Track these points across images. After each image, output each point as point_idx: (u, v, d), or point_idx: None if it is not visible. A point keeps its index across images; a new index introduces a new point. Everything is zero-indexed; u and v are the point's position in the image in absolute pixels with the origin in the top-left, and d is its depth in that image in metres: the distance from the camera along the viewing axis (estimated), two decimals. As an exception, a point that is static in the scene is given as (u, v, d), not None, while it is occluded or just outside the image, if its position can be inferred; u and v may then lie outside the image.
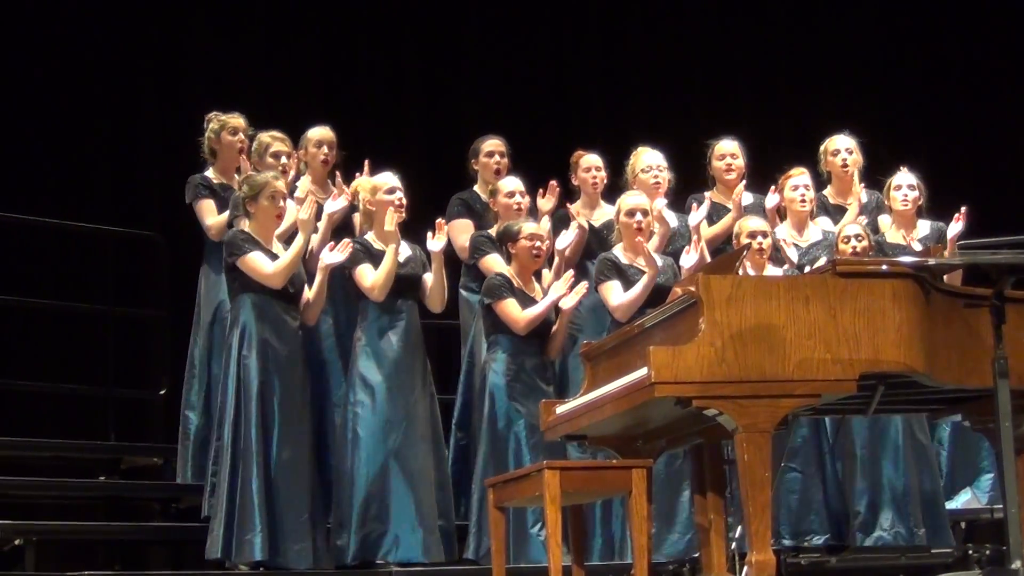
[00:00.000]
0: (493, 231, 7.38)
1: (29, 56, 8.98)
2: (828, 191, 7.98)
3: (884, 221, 7.84)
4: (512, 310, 6.95)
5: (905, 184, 7.69)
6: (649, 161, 7.65)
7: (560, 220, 7.54)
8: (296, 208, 6.88)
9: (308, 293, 6.77)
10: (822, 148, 8.00)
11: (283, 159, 7.27)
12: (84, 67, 9.16)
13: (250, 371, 6.54)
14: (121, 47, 9.29)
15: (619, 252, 7.15)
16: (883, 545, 7.10)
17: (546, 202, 7.55)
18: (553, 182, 7.58)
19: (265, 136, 7.36)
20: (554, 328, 7.01)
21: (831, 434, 7.19)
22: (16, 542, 6.54)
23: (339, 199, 7.04)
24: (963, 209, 7.46)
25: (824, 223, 7.75)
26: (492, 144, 7.76)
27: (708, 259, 7.29)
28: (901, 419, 7.13)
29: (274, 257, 6.67)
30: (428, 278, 6.97)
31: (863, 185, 7.91)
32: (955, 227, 7.47)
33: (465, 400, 7.32)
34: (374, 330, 6.86)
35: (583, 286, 6.95)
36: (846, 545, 7.13)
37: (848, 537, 7.14)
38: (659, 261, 7.07)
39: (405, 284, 6.91)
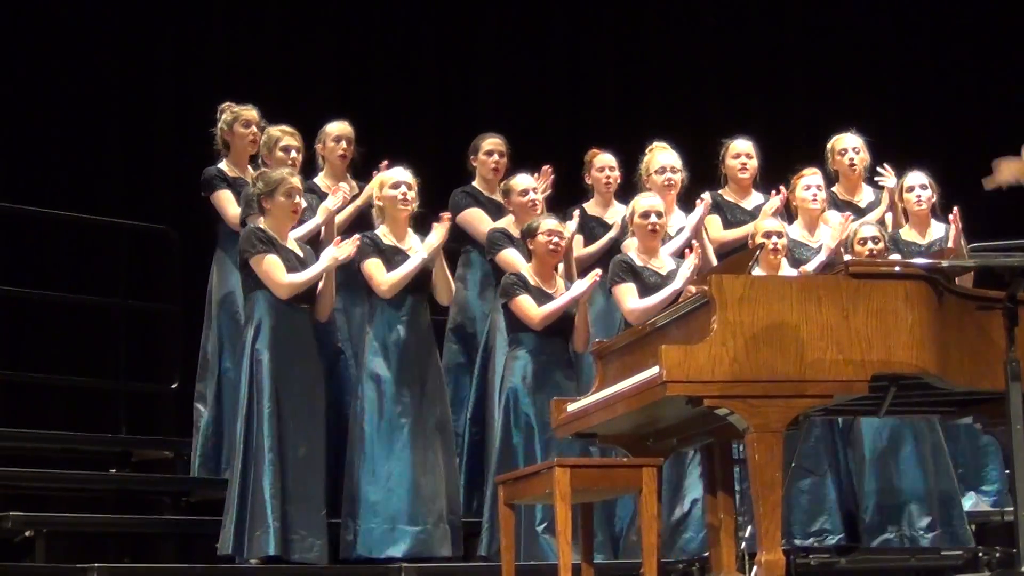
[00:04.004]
0: (509, 227, 7.40)
1: (43, 50, 8.99)
2: (836, 188, 7.99)
3: (890, 219, 7.84)
4: (527, 306, 6.95)
5: (918, 184, 7.69)
6: (663, 162, 7.63)
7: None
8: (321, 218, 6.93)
9: (319, 289, 6.77)
10: (829, 146, 8.01)
11: (293, 153, 7.28)
12: (98, 61, 9.17)
13: (263, 368, 6.55)
14: (135, 41, 9.30)
15: (633, 254, 7.13)
16: (890, 547, 7.10)
17: (539, 186, 7.52)
18: (546, 167, 7.56)
19: (275, 130, 7.36)
20: (576, 320, 7.01)
21: (843, 434, 7.19)
22: (27, 534, 6.55)
23: (338, 195, 7.02)
24: (955, 209, 7.41)
25: (833, 216, 7.73)
26: (492, 143, 7.75)
27: (713, 261, 7.29)
28: (913, 420, 7.12)
29: (289, 255, 6.68)
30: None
31: (886, 196, 7.88)
32: (951, 229, 7.41)
33: (480, 396, 7.32)
34: (384, 325, 6.87)
35: (596, 272, 6.94)
36: (854, 546, 7.13)
37: (859, 538, 7.14)
38: (672, 265, 7.06)
39: (416, 280, 6.91)
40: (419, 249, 6.93)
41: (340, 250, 6.67)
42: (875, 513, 7.14)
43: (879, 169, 7.89)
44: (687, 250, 7.05)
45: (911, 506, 7.15)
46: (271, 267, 6.61)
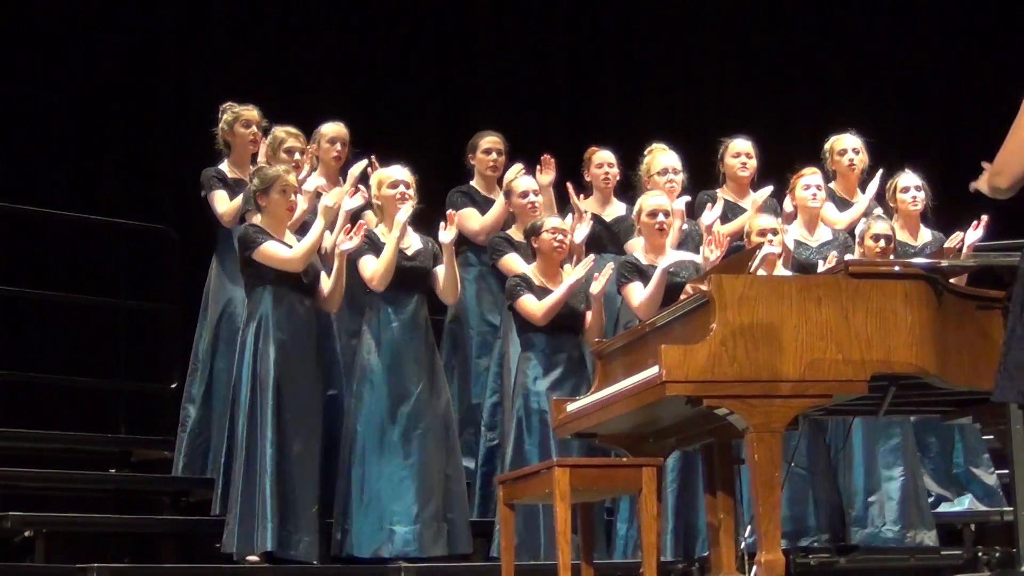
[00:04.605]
0: (510, 231, 7.41)
1: (43, 49, 8.99)
2: (834, 187, 7.99)
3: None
4: (528, 304, 6.95)
5: (913, 185, 7.70)
6: (664, 163, 7.64)
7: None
8: (306, 202, 6.90)
9: (325, 283, 6.76)
10: (827, 146, 8.02)
11: (296, 155, 7.28)
12: (99, 61, 9.17)
13: (267, 365, 6.54)
14: (136, 41, 9.30)
15: (639, 254, 7.14)
16: (877, 545, 7.10)
17: (544, 176, 7.53)
18: (546, 155, 7.56)
19: (280, 131, 7.36)
20: (589, 317, 7.01)
21: (832, 436, 7.19)
22: (26, 534, 6.53)
23: (356, 197, 7.01)
24: (984, 217, 7.40)
25: (830, 210, 7.73)
26: (489, 141, 7.78)
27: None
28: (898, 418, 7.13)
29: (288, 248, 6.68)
30: (440, 271, 6.98)
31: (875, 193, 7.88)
32: (973, 235, 7.42)
33: (495, 401, 7.32)
34: (380, 322, 6.86)
35: (608, 268, 6.95)
36: (854, 545, 7.13)
37: (846, 536, 7.14)
38: (676, 257, 7.08)
39: (413, 277, 6.91)
40: (416, 246, 6.94)
41: (349, 242, 6.64)
42: (861, 508, 7.15)
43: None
44: (708, 239, 7.04)
45: (898, 503, 7.16)
46: (275, 249, 6.60)
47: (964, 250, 7.38)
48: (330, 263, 6.76)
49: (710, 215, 7.38)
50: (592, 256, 7.03)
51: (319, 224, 6.66)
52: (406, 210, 6.82)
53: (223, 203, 7.26)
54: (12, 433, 7.53)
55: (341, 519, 6.73)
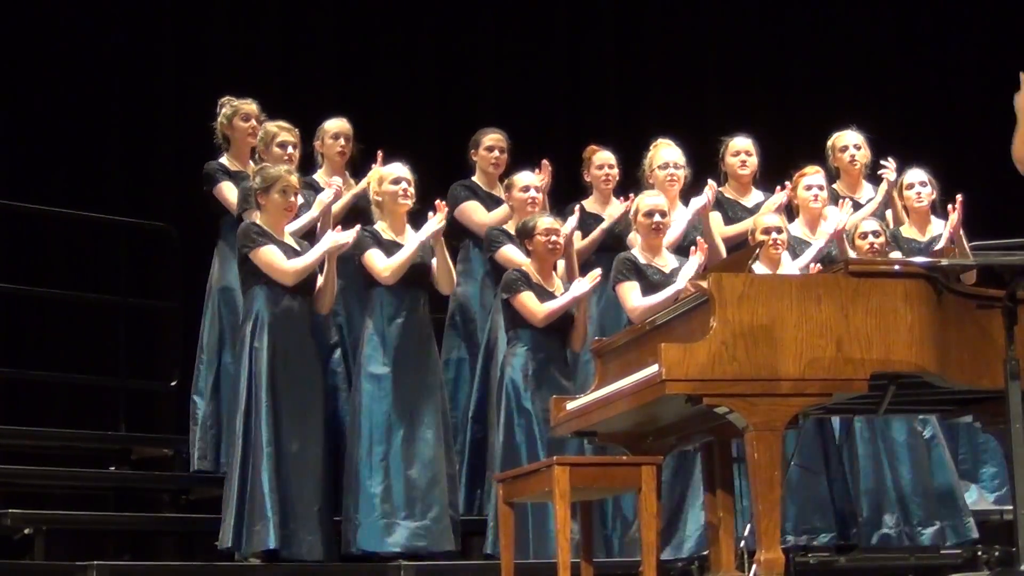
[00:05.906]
0: (507, 225, 7.41)
1: (43, 46, 8.99)
2: (838, 185, 7.99)
3: (890, 216, 7.85)
4: (530, 303, 6.95)
5: (918, 182, 7.72)
6: (667, 158, 7.65)
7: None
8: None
9: (319, 281, 6.77)
10: (829, 144, 8.02)
11: (289, 149, 7.28)
12: (99, 57, 9.17)
13: (262, 362, 6.56)
14: (136, 38, 9.29)
15: (637, 252, 7.14)
16: (887, 544, 7.10)
17: (539, 182, 7.53)
18: (544, 161, 7.57)
19: (272, 126, 7.36)
20: (576, 319, 7.02)
21: (840, 433, 7.19)
22: (26, 531, 6.56)
23: (328, 191, 7.03)
24: (958, 198, 7.43)
25: (833, 212, 7.74)
26: (492, 138, 7.78)
27: (723, 253, 7.29)
28: (905, 417, 7.12)
29: (286, 250, 6.68)
30: (434, 262, 6.98)
31: (885, 186, 7.88)
32: (952, 218, 7.44)
33: (481, 394, 7.33)
34: (382, 319, 6.87)
35: (597, 272, 6.95)
36: (854, 544, 7.13)
37: (855, 536, 7.14)
38: (675, 263, 7.07)
39: (415, 273, 6.93)
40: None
41: (341, 235, 6.68)
42: (872, 509, 7.14)
43: (882, 162, 7.89)
44: (692, 248, 7.05)
45: (908, 501, 7.16)
46: (271, 257, 6.62)
47: (947, 231, 7.40)
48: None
49: (698, 200, 7.39)
50: (598, 271, 7.00)
51: (320, 247, 6.66)
52: (437, 223, 6.80)
53: (232, 192, 7.25)
54: (12, 430, 7.54)
55: (348, 516, 6.73)
